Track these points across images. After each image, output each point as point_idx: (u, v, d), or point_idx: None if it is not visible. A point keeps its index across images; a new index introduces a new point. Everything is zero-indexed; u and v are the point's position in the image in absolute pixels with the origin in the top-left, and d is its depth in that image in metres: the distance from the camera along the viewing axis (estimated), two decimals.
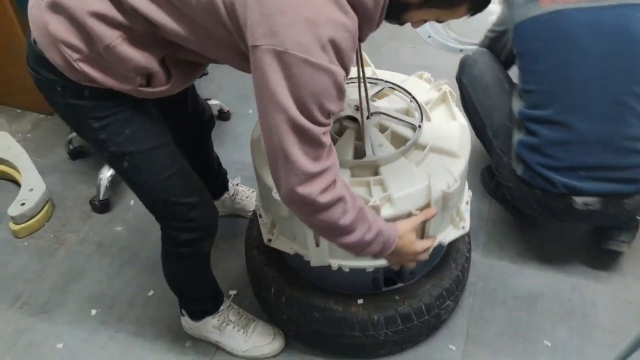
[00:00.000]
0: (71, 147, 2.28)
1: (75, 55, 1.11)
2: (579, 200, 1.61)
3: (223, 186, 1.95)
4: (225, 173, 1.94)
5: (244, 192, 2.02)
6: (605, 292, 1.76)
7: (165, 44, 1.13)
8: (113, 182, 2.10)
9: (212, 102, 2.42)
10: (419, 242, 1.29)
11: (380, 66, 1.69)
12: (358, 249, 1.20)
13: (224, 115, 2.46)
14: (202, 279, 1.55)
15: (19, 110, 2.56)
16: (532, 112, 1.66)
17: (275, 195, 1.30)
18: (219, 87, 2.64)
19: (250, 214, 1.94)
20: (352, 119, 1.44)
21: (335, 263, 1.41)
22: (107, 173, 2.07)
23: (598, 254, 1.86)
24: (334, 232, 1.16)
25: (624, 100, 1.56)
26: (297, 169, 1.03)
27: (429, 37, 2.30)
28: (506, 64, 1.91)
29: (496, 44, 1.89)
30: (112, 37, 1.08)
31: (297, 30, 0.94)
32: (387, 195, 1.29)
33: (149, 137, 1.27)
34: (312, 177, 1.04)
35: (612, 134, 1.57)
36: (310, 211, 1.10)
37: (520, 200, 1.76)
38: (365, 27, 1.06)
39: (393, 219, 1.27)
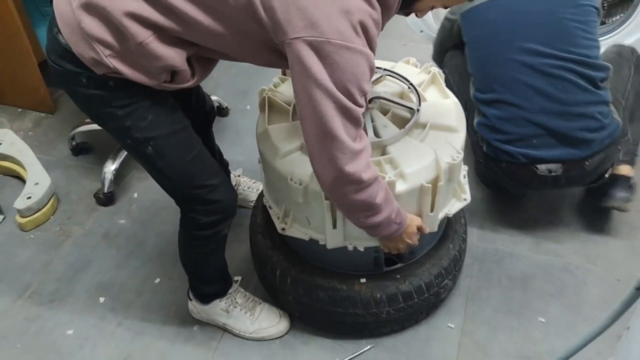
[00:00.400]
0: (74, 143, 2.32)
1: (107, 52, 1.17)
2: (541, 167, 1.75)
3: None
4: (227, 164, 2.00)
5: (245, 183, 2.08)
6: (596, 271, 1.84)
7: (193, 43, 1.20)
8: (117, 175, 2.15)
9: (211, 98, 2.47)
10: (416, 234, 1.42)
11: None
12: (381, 228, 1.30)
13: (222, 111, 2.52)
14: (217, 262, 1.61)
15: (19, 110, 2.61)
16: (481, 95, 1.82)
17: (292, 183, 1.36)
18: (217, 84, 2.71)
19: (252, 204, 2.00)
20: None
21: (351, 244, 1.47)
22: (111, 167, 2.12)
23: (588, 236, 1.95)
24: (367, 212, 1.25)
25: (553, 73, 1.71)
26: (345, 147, 1.12)
27: (421, 31, 2.39)
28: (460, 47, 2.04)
29: (450, 31, 2.03)
30: (144, 35, 1.14)
31: (335, 20, 1.03)
32: (400, 171, 1.36)
33: (171, 121, 1.33)
34: (357, 154, 1.14)
35: (551, 105, 1.72)
36: (353, 190, 1.19)
37: (493, 174, 1.88)
38: (384, 17, 1.15)
39: (407, 194, 1.36)
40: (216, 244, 1.56)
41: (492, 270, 1.85)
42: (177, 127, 1.35)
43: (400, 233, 1.36)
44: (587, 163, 1.77)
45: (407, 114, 1.52)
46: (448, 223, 1.70)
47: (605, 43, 2.24)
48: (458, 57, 2.06)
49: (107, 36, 1.17)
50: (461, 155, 1.43)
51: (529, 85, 1.74)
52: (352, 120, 1.12)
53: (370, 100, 1.53)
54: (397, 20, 2.47)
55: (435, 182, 1.37)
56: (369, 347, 1.65)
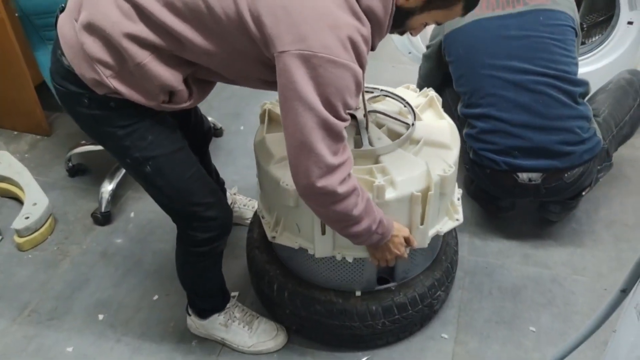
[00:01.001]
0: (70, 164, 2.36)
1: (108, 72, 1.22)
2: (522, 175, 1.83)
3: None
4: (223, 183, 2.05)
5: (241, 201, 2.13)
6: (583, 282, 1.89)
7: (189, 64, 1.26)
8: (114, 195, 2.19)
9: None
10: (403, 245, 1.45)
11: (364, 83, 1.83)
12: (363, 238, 1.33)
13: (216, 132, 2.58)
14: (214, 277, 1.65)
15: (15, 132, 2.64)
16: (466, 110, 1.92)
17: (284, 184, 1.42)
18: (210, 106, 2.76)
19: (247, 221, 2.04)
20: (352, 116, 1.57)
21: (340, 254, 1.51)
22: (108, 187, 2.16)
23: (575, 249, 2.01)
24: (346, 222, 1.28)
25: (535, 89, 1.80)
26: (320, 162, 1.15)
27: (409, 53, 2.46)
28: (441, 70, 2.11)
29: (433, 55, 2.09)
30: (143, 56, 1.19)
31: (323, 35, 1.08)
32: (390, 178, 1.41)
33: (170, 141, 1.38)
34: (333, 169, 1.17)
35: (532, 119, 1.81)
36: (329, 202, 1.22)
37: (479, 180, 1.96)
38: (376, 35, 1.20)
39: (396, 202, 1.41)
40: (213, 259, 1.60)
41: (483, 282, 1.90)
42: (175, 146, 1.40)
43: (385, 242, 1.39)
44: (566, 175, 1.84)
45: (402, 130, 1.57)
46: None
47: (585, 62, 2.34)
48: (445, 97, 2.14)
49: (107, 57, 1.22)
50: (453, 169, 1.48)
51: (511, 101, 1.83)
52: (333, 134, 1.15)
53: (367, 114, 1.59)
54: (386, 42, 2.56)
55: (425, 192, 1.42)
56: (365, 358, 1.68)
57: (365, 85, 1.72)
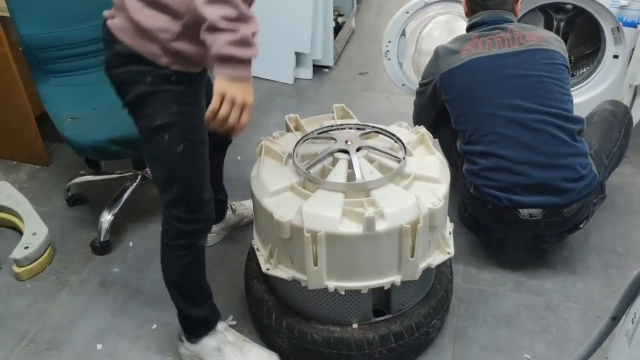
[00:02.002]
0: (69, 194, 2.39)
1: (168, 36, 1.32)
2: (523, 211, 1.86)
3: (225, 203, 2.16)
4: (225, 191, 2.15)
5: (241, 205, 2.27)
6: (576, 309, 1.93)
7: None
8: (113, 224, 2.21)
9: None
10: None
11: (357, 114, 1.89)
12: (243, 43, 1.22)
13: None
14: (199, 276, 1.66)
15: (14, 162, 2.67)
16: (467, 147, 1.94)
17: (277, 217, 1.45)
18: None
19: (246, 220, 2.21)
20: (345, 152, 1.62)
21: (332, 285, 1.54)
22: (107, 216, 2.18)
23: (567, 276, 2.05)
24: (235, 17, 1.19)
25: (536, 127, 1.84)
26: None
27: (403, 85, 2.53)
28: (437, 107, 2.14)
29: (427, 93, 2.12)
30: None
31: None
32: (380, 210, 1.45)
33: (204, 132, 1.47)
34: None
35: (534, 156, 1.84)
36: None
37: (478, 214, 1.99)
38: None
39: (386, 234, 1.44)
40: (195, 253, 1.62)
41: (477, 310, 1.93)
42: (205, 138, 1.50)
43: (248, 77, 1.28)
44: (565, 210, 1.87)
45: (393, 165, 1.62)
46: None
47: (573, 94, 2.40)
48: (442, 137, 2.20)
49: (163, 21, 1.31)
50: (442, 203, 1.52)
51: (513, 139, 1.85)
52: None
53: (359, 149, 1.63)
54: (380, 74, 2.63)
55: (415, 224, 1.46)
56: None
57: (359, 122, 1.79)
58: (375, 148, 1.66)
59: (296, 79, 3.29)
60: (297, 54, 3.22)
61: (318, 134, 1.76)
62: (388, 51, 2.43)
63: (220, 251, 2.18)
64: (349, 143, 1.65)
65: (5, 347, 1.84)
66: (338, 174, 1.58)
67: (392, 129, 1.80)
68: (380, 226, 1.46)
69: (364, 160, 1.62)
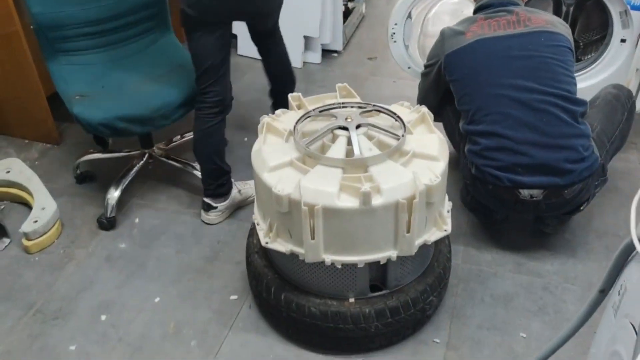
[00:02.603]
0: (78, 171, 2.44)
1: None
2: (524, 192, 1.87)
3: (229, 174, 2.29)
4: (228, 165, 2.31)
5: (246, 184, 2.33)
6: (574, 290, 1.94)
7: None
8: (119, 202, 2.26)
9: None
10: None
11: (364, 98, 1.89)
12: None
13: None
14: (220, 141, 2.16)
15: (26, 141, 2.73)
16: (470, 127, 1.95)
17: (276, 191, 1.48)
18: None
19: (250, 199, 2.29)
20: (344, 129, 1.64)
21: (329, 258, 1.57)
22: (114, 193, 2.23)
23: (567, 258, 2.05)
24: None
25: (539, 108, 1.85)
26: None
27: (409, 67, 2.53)
28: (441, 89, 2.15)
29: (432, 74, 2.13)
30: None
31: None
32: (377, 185, 1.47)
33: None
34: None
35: (536, 136, 1.84)
36: None
37: (479, 195, 1.99)
38: None
39: (382, 209, 1.46)
40: (218, 123, 2.11)
41: (476, 290, 1.95)
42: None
43: None
44: (566, 192, 1.88)
45: (392, 142, 1.64)
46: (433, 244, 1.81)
47: (581, 79, 2.40)
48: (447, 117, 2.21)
49: None
50: (439, 180, 1.53)
51: (516, 118, 1.86)
52: None
53: (358, 126, 1.65)
54: (389, 59, 2.64)
55: (411, 200, 1.48)
56: None
57: (360, 101, 1.81)
58: (375, 126, 1.68)
59: (305, 63, 3.31)
60: (306, 38, 3.24)
61: (320, 111, 1.78)
62: (394, 33, 2.44)
63: (225, 229, 2.22)
64: (349, 120, 1.67)
65: (13, 316, 1.90)
66: (337, 150, 1.60)
67: (393, 107, 1.81)
68: (377, 201, 1.48)
69: (363, 137, 1.64)
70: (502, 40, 1.93)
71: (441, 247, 1.84)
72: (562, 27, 1.97)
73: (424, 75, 2.20)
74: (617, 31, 2.28)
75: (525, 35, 1.92)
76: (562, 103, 1.86)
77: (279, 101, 2.40)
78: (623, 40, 2.28)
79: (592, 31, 2.63)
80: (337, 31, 3.33)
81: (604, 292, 1.19)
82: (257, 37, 2.33)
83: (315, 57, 3.32)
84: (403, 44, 2.46)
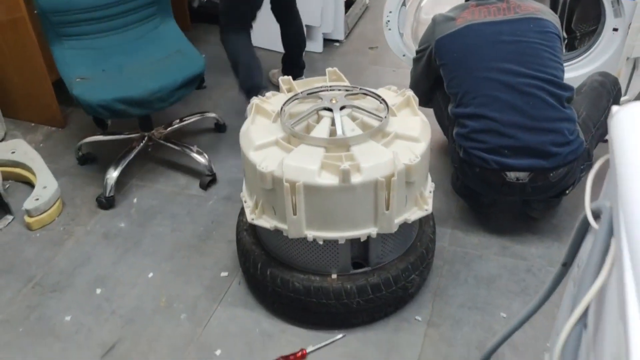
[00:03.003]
0: (80, 153, 2.51)
1: None
2: (510, 174, 1.90)
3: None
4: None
5: None
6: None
7: None
8: (119, 183, 2.33)
9: (209, 114, 2.68)
10: None
11: (363, 86, 1.92)
12: None
13: (220, 127, 2.72)
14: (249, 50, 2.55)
15: (32, 124, 2.81)
16: (458, 110, 1.99)
17: (261, 168, 1.54)
18: (216, 104, 2.91)
19: None
20: (329, 110, 1.69)
21: (310, 234, 1.62)
22: (113, 173, 2.30)
23: (552, 242, 2.09)
24: None
25: (526, 91, 1.88)
26: None
27: (404, 55, 2.57)
28: (431, 75, 2.19)
29: (423, 60, 2.17)
30: None
31: None
32: (357, 164, 1.52)
33: None
34: None
35: (522, 119, 1.88)
36: None
37: (467, 178, 2.03)
38: None
39: (361, 187, 1.51)
40: (244, 38, 2.57)
41: (460, 271, 1.99)
42: None
43: None
44: (551, 175, 1.92)
45: (375, 124, 1.68)
46: (417, 224, 1.86)
47: (574, 67, 2.43)
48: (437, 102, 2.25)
49: None
50: (418, 160, 1.58)
51: (503, 101, 1.90)
52: None
53: (342, 108, 1.70)
54: (389, 48, 2.68)
55: (389, 178, 1.53)
56: (341, 335, 1.78)
57: (347, 84, 1.86)
58: (359, 107, 1.73)
59: (306, 52, 3.35)
60: (308, 27, 3.28)
61: (307, 94, 1.83)
62: (389, 21, 2.48)
63: (219, 210, 2.29)
64: (333, 102, 1.72)
65: (13, 288, 1.98)
66: (321, 130, 1.65)
67: (379, 91, 1.86)
68: (356, 179, 1.53)
69: (347, 118, 1.69)
70: (491, 26, 1.97)
71: (425, 227, 1.88)
72: (550, 14, 2.01)
73: (415, 60, 2.24)
74: (610, 20, 2.30)
75: (514, 22, 1.96)
76: (548, 87, 1.89)
77: (288, 67, 2.90)
78: (615, 30, 2.30)
79: (589, 22, 2.64)
80: (339, 21, 3.38)
81: (565, 265, 1.23)
82: (277, 9, 2.75)
83: (317, 46, 3.37)
84: (398, 31, 2.50)
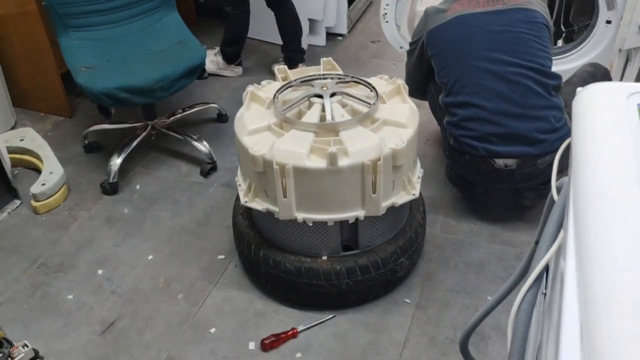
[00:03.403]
0: (86, 141, 2.60)
1: None
2: (499, 161, 1.95)
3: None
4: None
5: None
6: None
7: None
8: (123, 170, 2.41)
9: (212, 105, 2.75)
10: None
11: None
12: None
13: (222, 117, 2.78)
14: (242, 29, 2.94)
15: (41, 114, 2.90)
16: (448, 99, 2.04)
17: (252, 152, 1.60)
18: (219, 95, 2.98)
19: None
20: (320, 97, 1.75)
21: (300, 216, 1.68)
22: (117, 160, 2.38)
23: None
24: None
25: (513, 79, 1.93)
26: None
27: (401, 47, 2.62)
28: (424, 66, 2.24)
29: (416, 51, 2.22)
30: None
31: None
32: (344, 148, 1.58)
33: None
34: None
35: (510, 107, 1.93)
36: None
37: (457, 166, 2.08)
38: None
39: (349, 169, 1.57)
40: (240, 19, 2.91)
41: (450, 257, 2.04)
42: None
43: None
44: (539, 162, 1.96)
45: (364, 110, 1.74)
46: (407, 210, 1.91)
47: (568, 60, 2.46)
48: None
49: None
50: (404, 145, 1.63)
51: (491, 89, 1.95)
52: None
53: (333, 95, 1.76)
54: (389, 44, 2.73)
55: (376, 162, 1.58)
56: (331, 316, 1.84)
57: (340, 73, 1.91)
58: (349, 94, 1.79)
59: (309, 45, 3.42)
60: (311, 21, 3.34)
61: (301, 82, 1.89)
62: (386, 14, 2.53)
63: (218, 196, 2.36)
64: (324, 89, 1.78)
65: (19, 268, 2.06)
66: (311, 116, 1.71)
67: (371, 80, 1.91)
68: (344, 162, 1.59)
69: (337, 105, 1.74)
70: (480, 16, 2.02)
71: (415, 213, 1.93)
72: (538, 5, 2.05)
73: (409, 53, 2.29)
74: (603, 13, 2.33)
75: (503, 12, 2.01)
76: (535, 76, 1.94)
77: (290, 54, 3.05)
78: (608, 22, 2.33)
79: (586, 16, 2.67)
80: (342, 15, 3.43)
81: (538, 243, 1.28)
82: (273, 2, 2.92)
83: (320, 39, 3.42)
84: (395, 24, 2.55)
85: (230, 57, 3.07)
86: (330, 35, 3.49)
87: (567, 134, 1.96)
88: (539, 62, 1.95)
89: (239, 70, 3.15)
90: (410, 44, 2.26)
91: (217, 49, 3.11)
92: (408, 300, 1.89)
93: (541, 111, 1.92)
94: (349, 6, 3.49)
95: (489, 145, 1.95)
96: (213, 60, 3.08)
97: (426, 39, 2.10)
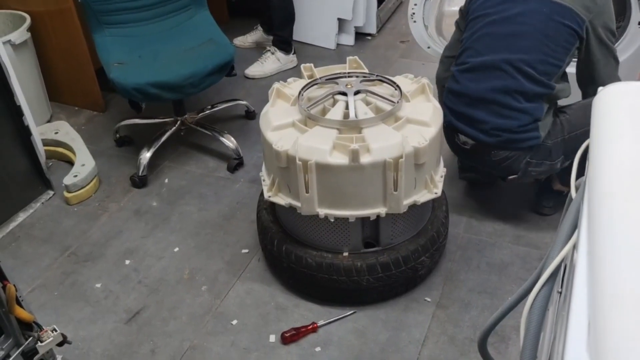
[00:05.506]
0: (118, 135, 2.66)
1: None
2: (461, 137, 1.98)
3: None
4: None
5: None
6: None
7: None
8: (152, 164, 2.47)
9: (240, 102, 2.80)
10: None
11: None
12: None
13: (250, 114, 2.83)
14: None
15: (76, 108, 2.99)
16: (454, 68, 2.01)
17: (276, 147, 1.63)
18: (248, 92, 3.02)
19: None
20: (344, 94, 1.77)
21: (322, 212, 1.71)
22: (146, 154, 2.44)
23: None
24: None
25: (500, 67, 1.88)
26: None
27: (428, 47, 2.62)
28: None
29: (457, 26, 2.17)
30: None
31: None
32: (366, 145, 1.59)
33: None
34: None
35: (485, 94, 1.90)
36: None
37: (449, 145, 2.10)
38: None
39: (370, 166, 1.59)
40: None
41: (472, 257, 2.04)
42: None
43: None
44: (492, 152, 1.94)
45: (388, 108, 1.75)
46: (429, 209, 1.92)
47: None
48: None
49: None
50: (427, 143, 1.64)
51: (485, 74, 1.90)
52: None
53: (357, 93, 1.78)
54: (416, 42, 2.73)
55: (397, 159, 1.59)
56: (351, 312, 1.86)
57: (365, 71, 1.93)
58: (373, 92, 1.80)
59: (338, 44, 3.44)
60: (340, 21, 3.36)
61: (326, 80, 1.91)
62: (414, 13, 2.53)
63: (244, 192, 2.39)
64: (349, 87, 1.80)
65: (51, 256, 2.13)
66: (335, 113, 1.73)
67: (395, 78, 1.92)
68: (366, 159, 1.60)
69: (361, 102, 1.76)
70: (507, 2, 1.91)
71: (437, 212, 1.93)
72: (579, 6, 1.84)
73: (441, 61, 2.27)
74: (635, 14, 2.28)
75: (528, 1, 1.88)
76: (520, 77, 1.86)
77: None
78: None
79: (618, 17, 2.62)
80: (371, 14, 3.44)
81: None
82: None
83: (349, 39, 3.44)
84: (423, 23, 2.55)
85: (287, 42, 3.17)
86: (360, 35, 3.50)
87: (533, 139, 1.90)
88: (530, 65, 1.85)
89: (294, 59, 3.24)
90: (457, 22, 2.19)
91: (269, 49, 3.19)
92: (428, 299, 1.89)
93: (510, 111, 1.88)
94: (378, 6, 3.50)
95: (455, 120, 1.97)
96: (273, 60, 3.16)
97: (465, 9, 2.06)
